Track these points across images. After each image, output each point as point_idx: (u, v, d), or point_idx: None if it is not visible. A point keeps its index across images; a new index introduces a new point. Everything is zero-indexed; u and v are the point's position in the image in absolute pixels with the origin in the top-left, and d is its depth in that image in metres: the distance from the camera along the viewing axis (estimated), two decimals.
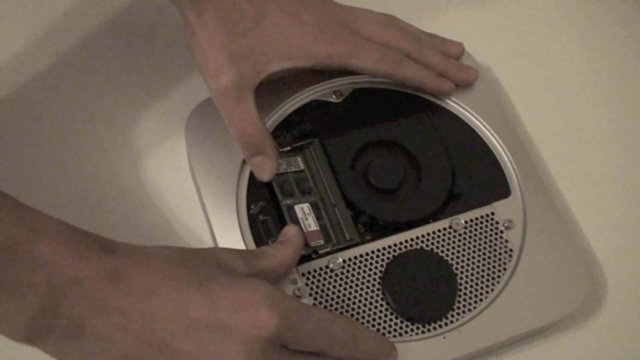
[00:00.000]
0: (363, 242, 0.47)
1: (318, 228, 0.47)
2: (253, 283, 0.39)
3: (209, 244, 0.49)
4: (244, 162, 0.49)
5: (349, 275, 0.46)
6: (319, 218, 0.48)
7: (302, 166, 0.50)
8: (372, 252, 0.47)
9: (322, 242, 0.47)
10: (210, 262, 0.40)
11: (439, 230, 0.48)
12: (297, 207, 0.48)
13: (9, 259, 0.35)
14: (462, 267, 0.47)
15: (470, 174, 0.51)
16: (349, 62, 0.50)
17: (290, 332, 0.39)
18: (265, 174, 0.48)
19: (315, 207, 0.48)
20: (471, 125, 0.53)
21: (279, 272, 0.44)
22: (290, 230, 0.46)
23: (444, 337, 0.45)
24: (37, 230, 0.36)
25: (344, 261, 0.47)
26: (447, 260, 0.47)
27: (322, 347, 0.41)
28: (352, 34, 0.50)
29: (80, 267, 0.36)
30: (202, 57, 0.46)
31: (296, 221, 0.47)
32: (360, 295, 0.46)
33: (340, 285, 0.46)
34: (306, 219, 0.48)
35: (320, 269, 0.46)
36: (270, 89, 0.52)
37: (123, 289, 0.37)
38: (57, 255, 0.36)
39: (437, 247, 0.48)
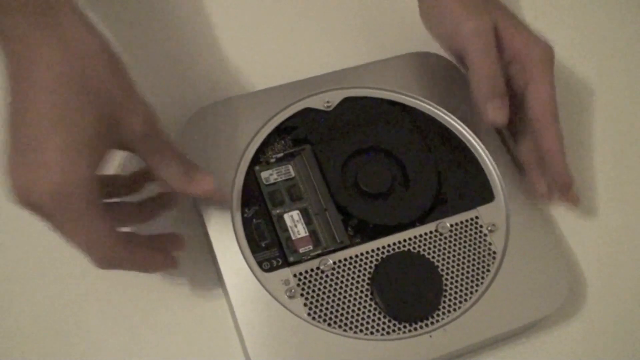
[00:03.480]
0: (353, 244, 0.49)
1: (307, 234, 0.49)
2: None
3: (204, 244, 0.50)
4: (238, 168, 0.50)
5: (339, 276, 0.48)
6: (309, 223, 0.49)
7: (292, 174, 0.51)
8: (362, 254, 0.49)
9: (310, 247, 0.48)
10: None
11: (426, 234, 0.50)
12: (286, 216, 0.49)
13: None
14: (448, 268, 0.49)
15: (455, 179, 0.52)
16: None
17: None
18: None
19: (305, 212, 0.50)
20: (456, 132, 0.54)
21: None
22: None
23: (430, 336, 0.46)
24: None
25: (335, 263, 0.48)
26: (433, 262, 0.49)
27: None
28: None
29: None
30: None
31: (285, 229, 0.49)
32: (350, 295, 0.47)
33: (330, 285, 0.47)
34: (295, 226, 0.49)
35: (312, 270, 0.48)
36: (263, 98, 0.53)
37: None
38: None
39: (424, 250, 0.49)
